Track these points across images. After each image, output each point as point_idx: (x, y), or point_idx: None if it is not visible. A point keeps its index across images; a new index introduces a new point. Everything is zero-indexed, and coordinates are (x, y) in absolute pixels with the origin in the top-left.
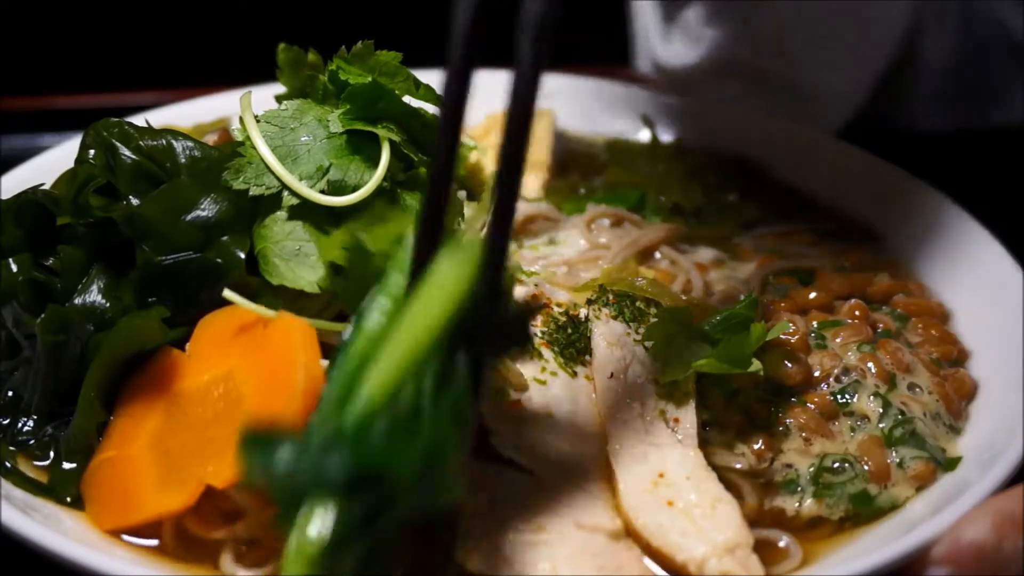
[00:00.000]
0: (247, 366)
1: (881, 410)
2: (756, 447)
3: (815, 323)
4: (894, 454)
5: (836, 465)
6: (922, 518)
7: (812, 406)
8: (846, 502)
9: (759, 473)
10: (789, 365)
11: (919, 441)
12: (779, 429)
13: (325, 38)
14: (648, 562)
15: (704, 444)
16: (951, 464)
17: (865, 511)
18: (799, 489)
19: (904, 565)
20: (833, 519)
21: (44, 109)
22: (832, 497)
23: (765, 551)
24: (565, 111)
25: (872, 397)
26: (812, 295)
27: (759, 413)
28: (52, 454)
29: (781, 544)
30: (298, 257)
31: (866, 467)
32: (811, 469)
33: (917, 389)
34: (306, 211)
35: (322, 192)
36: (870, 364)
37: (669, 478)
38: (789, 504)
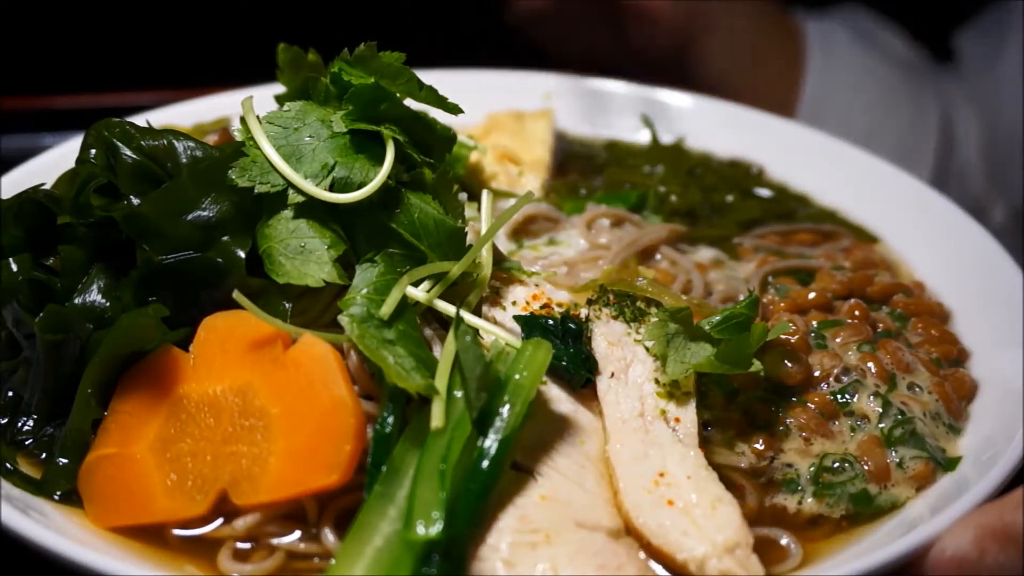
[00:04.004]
0: (269, 386)
1: (881, 410)
2: (756, 447)
3: (815, 323)
4: (894, 454)
5: (836, 465)
6: (922, 518)
7: (812, 406)
8: (846, 502)
9: (759, 472)
10: (789, 365)
11: (919, 441)
12: (779, 429)
13: (325, 38)
14: (648, 561)
15: (704, 443)
16: (951, 464)
17: (865, 511)
18: (799, 488)
19: (903, 565)
20: (833, 518)
21: (44, 109)
22: (832, 497)
23: (765, 550)
24: (565, 111)
25: (872, 397)
26: (812, 295)
27: (759, 413)
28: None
29: (781, 543)
30: (303, 254)
31: (866, 467)
32: (811, 469)
33: (917, 389)
34: (310, 209)
35: (328, 190)
36: (870, 364)
37: (669, 477)
38: (789, 503)
